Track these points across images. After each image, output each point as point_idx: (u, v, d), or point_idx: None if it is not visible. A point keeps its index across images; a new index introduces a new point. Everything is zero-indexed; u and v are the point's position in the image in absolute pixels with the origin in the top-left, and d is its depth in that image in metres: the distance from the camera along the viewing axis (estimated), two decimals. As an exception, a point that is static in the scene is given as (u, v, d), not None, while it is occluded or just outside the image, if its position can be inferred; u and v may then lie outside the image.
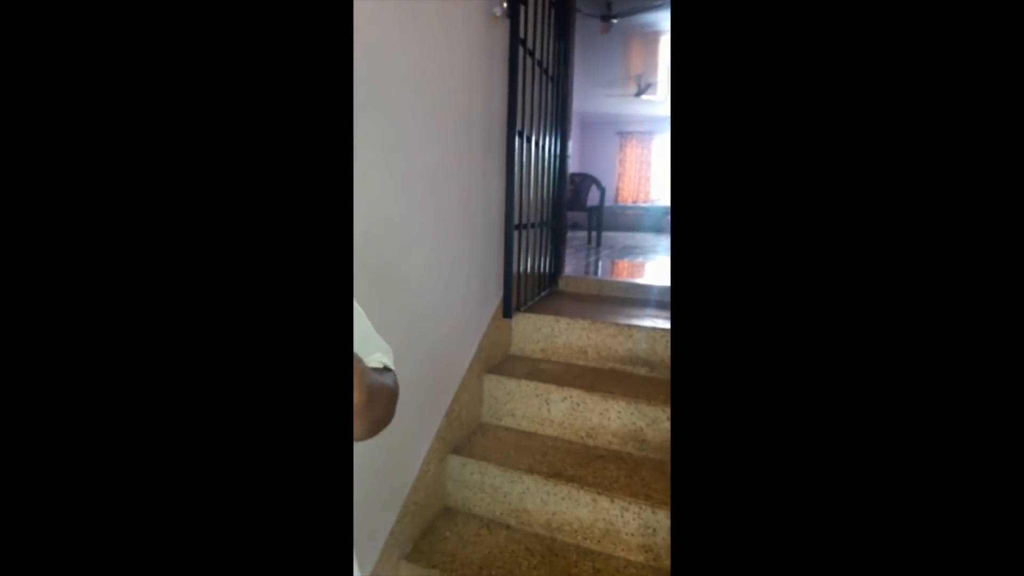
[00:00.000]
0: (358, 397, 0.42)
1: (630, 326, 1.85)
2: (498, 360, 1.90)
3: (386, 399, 0.54)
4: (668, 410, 1.56)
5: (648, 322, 1.90)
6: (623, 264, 3.71)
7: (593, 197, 4.83)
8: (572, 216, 3.97)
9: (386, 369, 0.61)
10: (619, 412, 1.62)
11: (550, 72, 2.09)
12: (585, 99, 6.63)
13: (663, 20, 4.22)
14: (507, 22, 1.67)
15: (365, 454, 1.13)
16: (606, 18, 3.96)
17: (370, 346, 0.60)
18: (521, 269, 1.92)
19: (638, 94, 6.46)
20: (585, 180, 4.78)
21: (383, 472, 1.28)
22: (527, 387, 1.72)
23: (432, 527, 1.49)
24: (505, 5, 1.63)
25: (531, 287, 2.08)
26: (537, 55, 1.88)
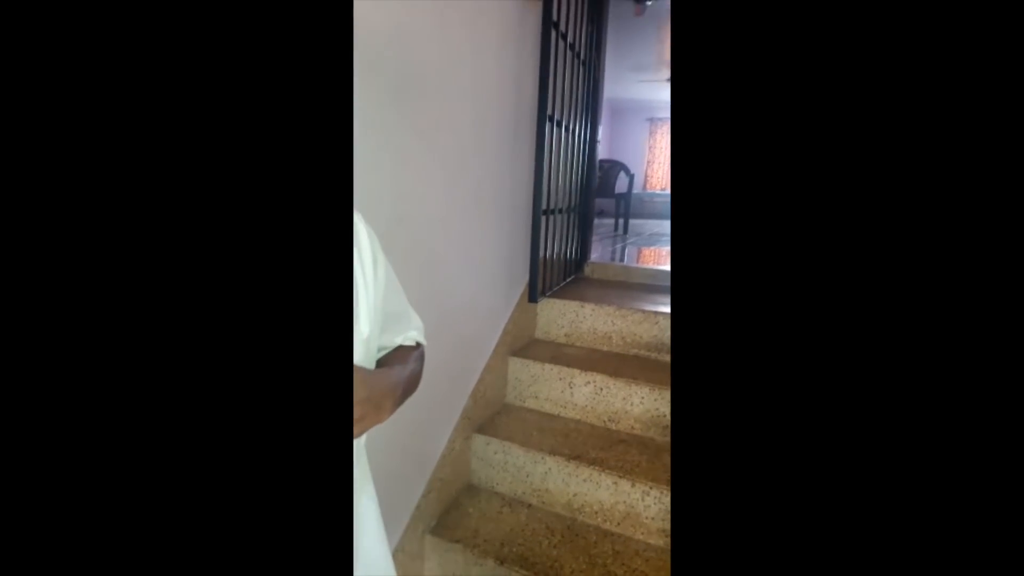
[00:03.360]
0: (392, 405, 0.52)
1: (656, 313, 1.85)
2: (523, 343, 1.93)
3: (415, 383, 0.64)
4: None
5: (674, 310, 1.89)
6: (650, 251, 3.68)
7: (621, 184, 4.77)
8: (599, 203, 3.92)
9: (417, 345, 0.66)
10: (642, 398, 1.62)
11: (582, 56, 2.08)
12: (616, 84, 6.51)
13: (699, 2, 4.11)
14: (540, 5, 1.65)
15: (393, 432, 1.17)
16: (640, 0, 3.87)
17: (403, 324, 0.65)
18: (548, 254, 1.93)
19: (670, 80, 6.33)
20: (614, 167, 4.72)
21: (410, 449, 1.32)
22: (551, 370, 1.74)
23: (456, 503, 1.53)
24: (538, -13, 1.62)
25: (557, 272, 2.09)
26: (569, 38, 1.86)
